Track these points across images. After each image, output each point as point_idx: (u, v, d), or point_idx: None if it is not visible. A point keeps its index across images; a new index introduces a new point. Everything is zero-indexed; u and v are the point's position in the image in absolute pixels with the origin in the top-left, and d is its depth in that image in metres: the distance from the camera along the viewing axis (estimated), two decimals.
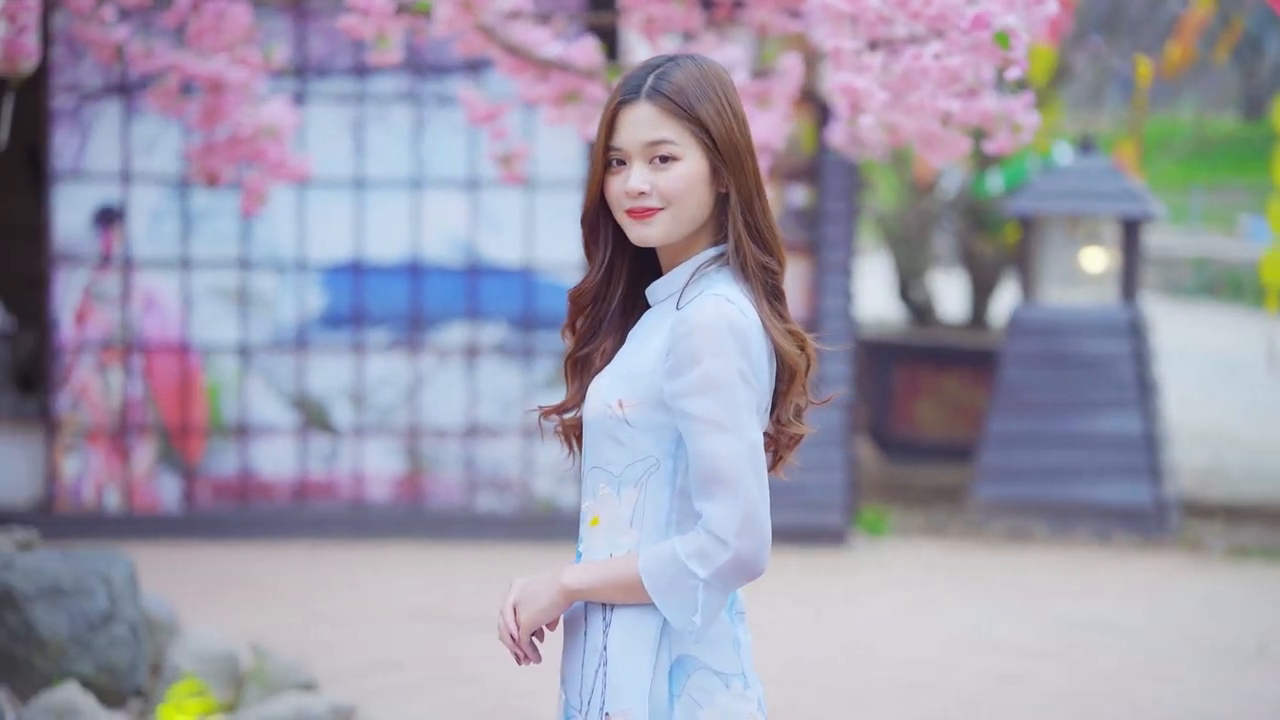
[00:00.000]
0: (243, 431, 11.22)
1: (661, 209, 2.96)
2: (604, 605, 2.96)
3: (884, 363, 15.37)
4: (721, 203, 3.01)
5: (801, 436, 3.04)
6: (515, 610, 3.00)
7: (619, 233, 3.05)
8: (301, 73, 11.13)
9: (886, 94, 4.91)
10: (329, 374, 11.30)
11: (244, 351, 11.23)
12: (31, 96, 10.83)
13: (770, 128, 6.25)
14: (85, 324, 11.07)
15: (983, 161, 15.84)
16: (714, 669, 2.94)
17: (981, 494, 12.34)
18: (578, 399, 3.09)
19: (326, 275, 11.28)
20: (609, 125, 2.98)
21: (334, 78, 11.18)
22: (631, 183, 2.95)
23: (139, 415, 11.15)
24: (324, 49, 11.13)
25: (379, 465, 11.33)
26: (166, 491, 11.18)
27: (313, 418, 11.29)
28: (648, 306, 3.08)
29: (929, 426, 15.16)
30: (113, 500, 11.12)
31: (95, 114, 11.02)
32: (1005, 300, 17.08)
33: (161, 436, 11.18)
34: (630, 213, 2.97)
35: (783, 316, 2.99)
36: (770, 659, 8.41)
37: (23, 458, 11.19)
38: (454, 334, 11.36)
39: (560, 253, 11.26)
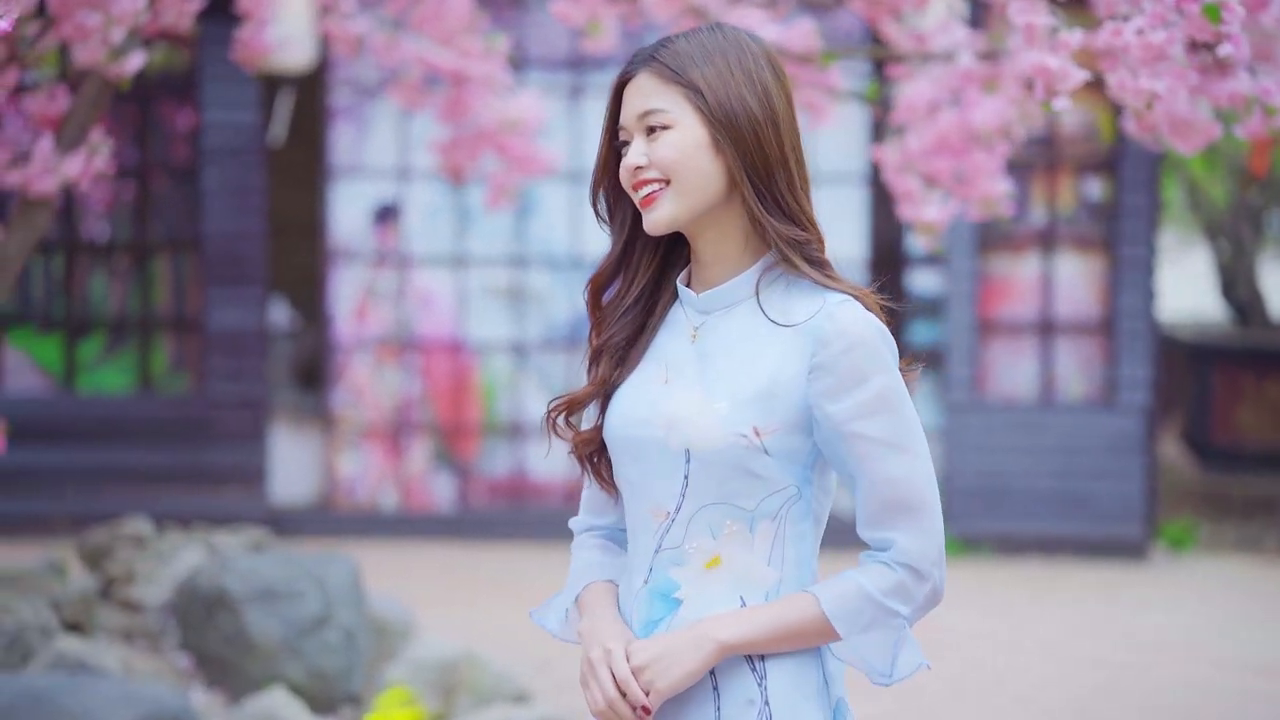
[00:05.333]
0: (516, 431, 11.08)
1: (663, 186, 2.67)
2: (749, 656, 2.66)
3: (1203, 365, 14.55)
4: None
5: None
6: (638, 675, 2.65)
7: (638, 217, 2.77)
8: (577, 66, 10.95)
9: (1086, 73, 4.44)
10: None
11: (518, 350, 11.09)
12: (313, 94, 10.88)
13: (995, 113, 5.79)
14: (364, 321, 11.05)
15: None
16: (849, 705, 2.75)
17: None
18: (595, 394, 2.78)
19: None
20: (614, 104, 2.72)
21: (609, 70, 10.95)
22: (629, 158, 2.69)
23: (415, 414, 11.09)
24: (599, 42, 10.87)
25: None
26: (441, 491, 11.10)
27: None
28: (675, 297, 2.80)
29: (1251, 433, 14.26)
30: (389, 500, 11.08)
31: (373, 110, 10.99)
32: None
33: (436, 435, 11.10)
34: (641, 202, 2.70)
35: (835, 278, 2.77)
36: (1030, 675, 7.89)
37: (304, 454, 11.21)
38: None
39: (844, 248, 10.79)
